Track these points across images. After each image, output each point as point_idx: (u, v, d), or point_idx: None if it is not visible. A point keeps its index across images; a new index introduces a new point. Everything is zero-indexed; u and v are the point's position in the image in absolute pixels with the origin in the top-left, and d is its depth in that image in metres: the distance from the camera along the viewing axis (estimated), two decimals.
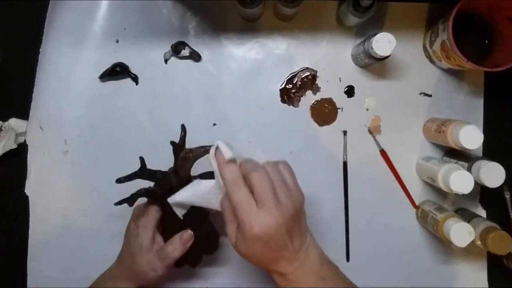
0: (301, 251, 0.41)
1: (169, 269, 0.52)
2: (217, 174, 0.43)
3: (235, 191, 0.40)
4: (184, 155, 0.52)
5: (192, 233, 0.53)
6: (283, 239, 0.39)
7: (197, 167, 0.53)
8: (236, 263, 0.64)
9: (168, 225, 0.54)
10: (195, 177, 0.53)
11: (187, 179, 0.52)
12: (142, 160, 0.51)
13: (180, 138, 0.53)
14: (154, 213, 0.53)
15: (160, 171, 0.52)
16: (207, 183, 0.47)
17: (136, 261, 0.51)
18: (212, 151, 0.43)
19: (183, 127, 0.53)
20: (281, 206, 0.39)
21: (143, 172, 0.51)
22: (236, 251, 0.42)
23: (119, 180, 0.50)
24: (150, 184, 0.53)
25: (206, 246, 0.56)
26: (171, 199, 0.49)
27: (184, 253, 0.52)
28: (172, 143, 0.52)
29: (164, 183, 0.52)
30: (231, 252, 0.63)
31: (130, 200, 0.51)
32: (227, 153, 0.41)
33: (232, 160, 0.41)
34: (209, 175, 0.50)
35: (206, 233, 0.55)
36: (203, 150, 0.52)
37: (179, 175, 0.52)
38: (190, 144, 0.65)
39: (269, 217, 0.38)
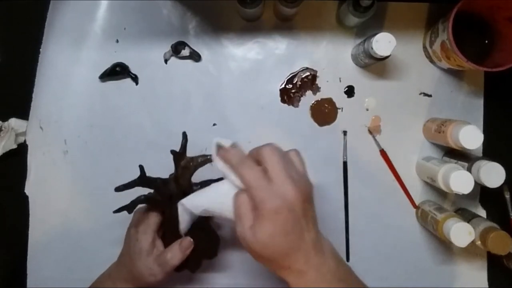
0: (317, 246, 0.39)
1: (168, 275, 0.52)
2: (226, 173, 0.41)
3: (246, 171, 0.38)
4: (185, 163, 0.51)
5: (191, 240, 0.51)
6: (300, 220, 0.38)
7: (198, 175, 0.53)
8: (236, 268, 0.64)
9: (168, 230, 0.53)
10: (196, 185, 0.52)
11: (187, 187, 0.51)
12: (141, 168, 0.50)
13: (181, 146, 0.51)
14: (154, 218, 0.52)
15: (160, 178, 0.51)
16: (218, 185, 0.44)
17: (136, 265, 0.51)
18: (213, 152, 0.42)
19: (184, 135, 0.52)
20: (295, 181, 0.37)
21: (142, 180, 0.50)
22: (251, 248, 0.38)
23: (118, 189, 0.49)
24: (150, 189, 0.52)
25: (206, 251, 0.55)
26: (181, 204, 0.47)
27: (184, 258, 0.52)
28: (173, 152, 0.51)
29: (164, 191, 0.51)
30: (231, 257, 0.64)
31: (130, 207, 0.50)
32: (226, 142, 0.40)
33: (234, 146, 0.40)
34: (210, 183, 0.49)
35: (206, 238, 0.54)
36: (205, 159, 0.51)
37: (180, 183, 0.51)
38: (189, 144, 0.65)
39: (286, 189, 0.37)
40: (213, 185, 0.45)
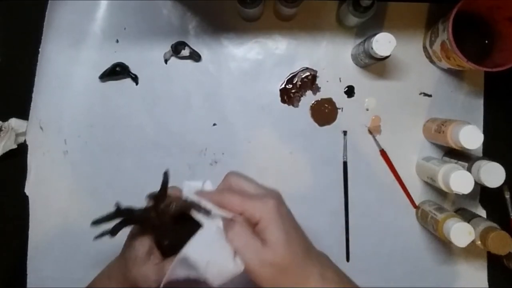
0: (314, 255, 0.39)
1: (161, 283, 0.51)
2: (214, 211, 0.39)
3: (226, 196, 0.40)
4: (165, 206, 0.44)
5: None
6: (292, 218, 0.39)
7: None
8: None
9: (162, 240, 0.48)
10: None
11: (170, 221, 0.45)
12: (117, 205, 0.45)
13: (161, 188, 0.44)
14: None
15: (138, 209, 0.46)
16: (209, 224, 0.39)
17: (130, 271, 0.50)
18: (192, 197, 0.41)
19: (165, 175, 0.44)
20: (264, 191, 0.40)
21: (118, 213, 0.46)
22: (270, 265, 0.36)
23: (95, 223, 0.45)
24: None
25: None
26: (174, 265, 0.40)
27: None
28: (151, 196, 0.44)
29: (145, 222, 0.46)
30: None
31: (112, 232, 0.46)
32: (196, 185, 0.42)
33: (207, 186, 0.42)
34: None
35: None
36: (188, 204, 0.44)
37: (160, 219, 0.45)
38: (189, 144, 0.65)
39: (268, 197, 0.39)
40: (198, 235, 0.39)
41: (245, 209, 0.38)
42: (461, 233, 0.53)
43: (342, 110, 0.65)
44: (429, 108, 0.65)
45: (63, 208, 0.65)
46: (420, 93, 0.65)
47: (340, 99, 0.65)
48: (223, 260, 0.38)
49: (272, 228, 0.37)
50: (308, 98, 0.65)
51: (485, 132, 0.63)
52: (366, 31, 0.65)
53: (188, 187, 0.43)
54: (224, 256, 0.38)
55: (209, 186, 0.44)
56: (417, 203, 0.65)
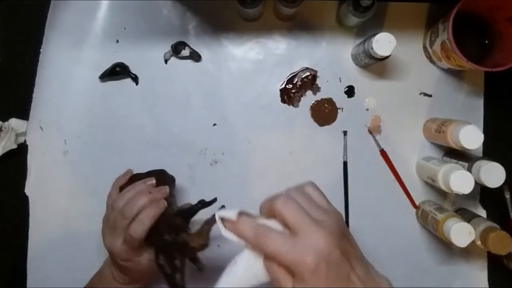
0: (369, 279, 0.34)
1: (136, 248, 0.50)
2: (241, 242, 0.36)
3: (265, 243, 0.33)
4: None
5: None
6: (342, 264, 0.33)
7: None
8: None
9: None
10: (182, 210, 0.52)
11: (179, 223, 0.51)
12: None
13: (194, 209, 0.51)
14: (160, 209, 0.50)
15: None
16: (241, 259, 0.37)
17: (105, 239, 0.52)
18: (220, 227, 0.36)
19: (205, 204, 0.51)
20: (322, 224, 0.33)
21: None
22: None
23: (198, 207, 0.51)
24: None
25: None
26: None
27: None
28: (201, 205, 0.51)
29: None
30: None
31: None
32: (231, 214, 0.35)
33: (241, 215, 0.35)
34: (189, 208, 0.50)
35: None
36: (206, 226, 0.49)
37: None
38: (189, 144, 0.65)
39: (315, 238, 0.32)
40: (236, 260, 0.37)
41: (282, 263, 0.33)
42: (461, 233, 0.53)
43: (342, 110, 0.65)
44: (429, 108, 0.65)
45: (63, 208, 0.64)
46: (420, 93, 0.65)
47: (340, 99, 0.65)
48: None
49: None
50: (308, 98, 0.65)
51: (485, 132, 0.63)
52: (366, 31, 0.65)
53: (218, 218, 0.37)
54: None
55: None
56: (417, 203, 0.65)
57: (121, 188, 0.55)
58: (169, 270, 0.48)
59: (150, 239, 0.50)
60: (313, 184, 0.39)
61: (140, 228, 0.48)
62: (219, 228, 0.36)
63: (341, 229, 0.34)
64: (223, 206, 0.47)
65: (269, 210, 0.35)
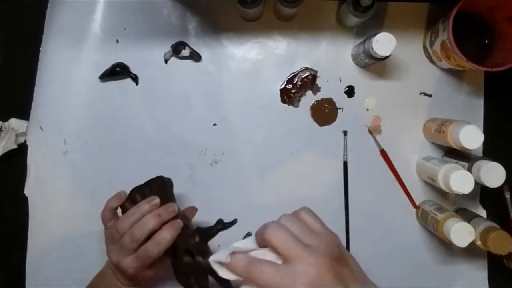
0: None
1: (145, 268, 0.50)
2: (238, 279, 0.36)
3: (256, 275, 0.33)
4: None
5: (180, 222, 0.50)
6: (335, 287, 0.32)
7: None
8: None
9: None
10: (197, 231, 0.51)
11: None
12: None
13: (213, 230, 0.49)
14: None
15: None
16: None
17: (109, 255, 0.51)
18: (218, 271, 0.37)
19: (225, 225, 0.49)
20: (313, 249, 0.33)
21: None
22: None
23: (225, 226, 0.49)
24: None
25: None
26: None
27: None
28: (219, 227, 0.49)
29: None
30: None
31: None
32: (222, 257, 0.35)
33: (233, 254, 0.35)
34: (207, 230, 0.49)
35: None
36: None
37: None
38: (189, 144, 0.65)
39: (305, 264, 0.32)
40: None
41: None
42: (461, 233, 0.53)
43: (342, 110, 0.65)
44: (429, 108, 0.65)
45: (62, 208, 0.64)
46: (420, 93, 0.65)
47: (340, 99, 0.65)
48: None
49: None
50: (308, 98, 0.65)
51: (485, 132, 0.63)
52: (366, 31, 0.65)
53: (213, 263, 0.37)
54: None
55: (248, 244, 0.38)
56: (417, 203, 0.65)
57: (122, 206, 0.53)
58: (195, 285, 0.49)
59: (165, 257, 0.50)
60: (307, 209, 0.39)
61: (156, 249, 0.48)
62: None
63: (335, 252, 0.34)
64: (248, 234, 0.44)
65: (261, 239, 0.35)
